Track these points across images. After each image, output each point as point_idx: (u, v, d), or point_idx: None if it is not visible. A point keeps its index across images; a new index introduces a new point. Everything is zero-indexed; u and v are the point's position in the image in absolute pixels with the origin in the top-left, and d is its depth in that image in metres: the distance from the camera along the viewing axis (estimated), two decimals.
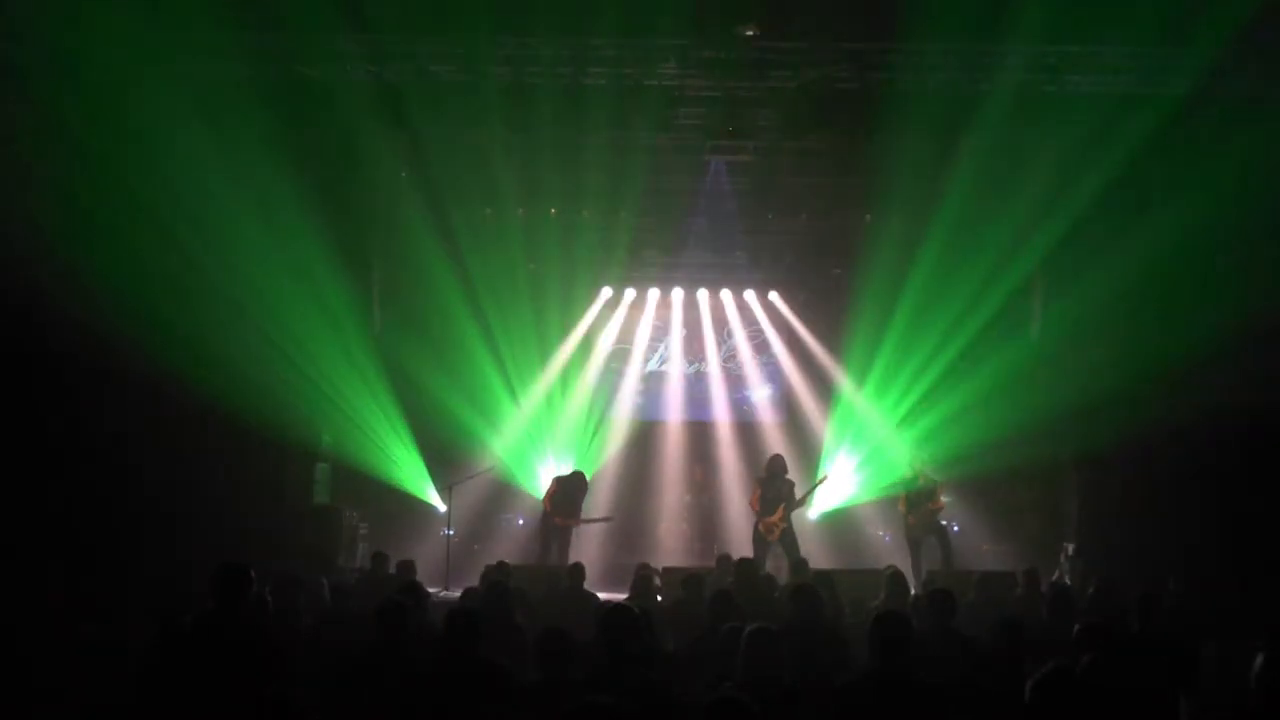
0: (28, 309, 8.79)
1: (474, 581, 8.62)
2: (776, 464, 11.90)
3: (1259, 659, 4.04)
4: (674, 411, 15.36)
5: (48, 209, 9.04)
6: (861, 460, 13.82)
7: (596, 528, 13.32)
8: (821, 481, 12.70)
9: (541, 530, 11.84)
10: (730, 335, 15.51)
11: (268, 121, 10.32)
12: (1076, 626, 5.10)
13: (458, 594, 7.84)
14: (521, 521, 13.73)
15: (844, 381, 14.45)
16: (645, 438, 15.04)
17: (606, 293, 15.03)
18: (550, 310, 14.26)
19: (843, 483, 13.68)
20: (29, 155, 8.78)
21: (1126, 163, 10.69)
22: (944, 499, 11.92)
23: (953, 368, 13.63)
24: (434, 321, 13.76)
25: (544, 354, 14.26)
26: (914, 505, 11.78)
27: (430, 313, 13.68)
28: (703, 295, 15.45)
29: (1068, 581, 10.71)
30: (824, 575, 8.03)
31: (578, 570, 8.47)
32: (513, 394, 14.04)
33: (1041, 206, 12.36)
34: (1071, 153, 11.20)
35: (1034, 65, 10.64)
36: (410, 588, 7.00)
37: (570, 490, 11.89)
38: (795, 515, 11.70)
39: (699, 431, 15.21)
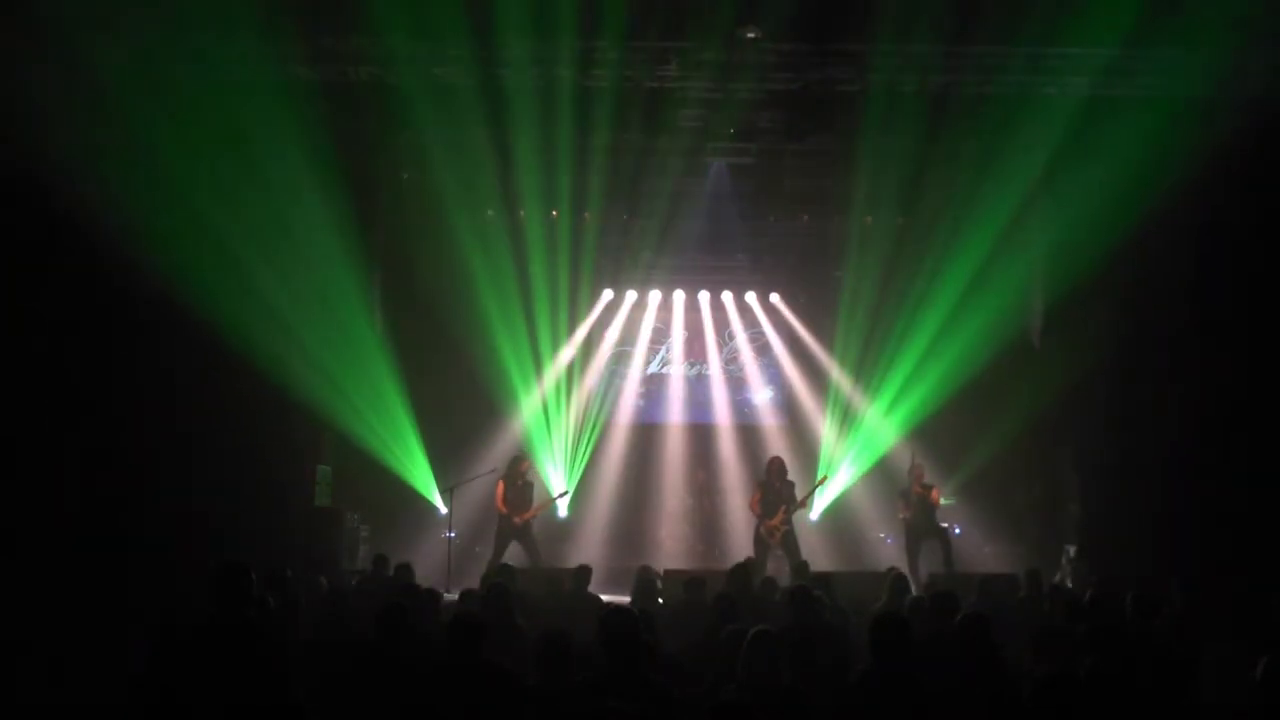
0: (30, 310, 8.79)
1: (475, 583, 8.62)
2: (777, 466, 11.89)
3: (1261, 663, 4.03)
4: (675, 414, 15.36)
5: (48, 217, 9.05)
6: (863, 462, 13.81)
7: (599, 531, 13.36)
8: (822, 483, 12.70)
9: (498, 534, 11.78)
10: (731, 337, 15.51)
11: (269, 122, 10.33)
12: (1076, 630, 5.09)
13: (458, 596, 7.83)
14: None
15: (844, 384, 14.46)
16: (646, 440, 15.04)
17: (608, 295, 15.03)
18: (552, 313, 14.26)
19: (845, 485, 13.68)
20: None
21: (1126, 162, 10.69)
22: (941, 499, 11.93)
23: (952, 370, 13.65)
24: (436, 324, 13.75)
25: (545, 357, 14.24)
26: (914, 506, 11.80)
27: (432, 315, 13.66)
28: (704, 297, 15.46)
29: (1069, 584, 10.70)
30: (822, 578, 8.02)
31: (582, 573, 8.47)
32: (515, 397, 14.03)
33: (1040, 207, 12.38)
34: (1071, 152, 11.21)
35: (1035, 67, 10.65)
36: (409, 590, 7.00)
37: (517, 482, 11.90)
38: (796, 517, 11.70)
39: (700, 434, 15.21)
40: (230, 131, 10.13)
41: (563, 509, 13.53)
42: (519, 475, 11.97)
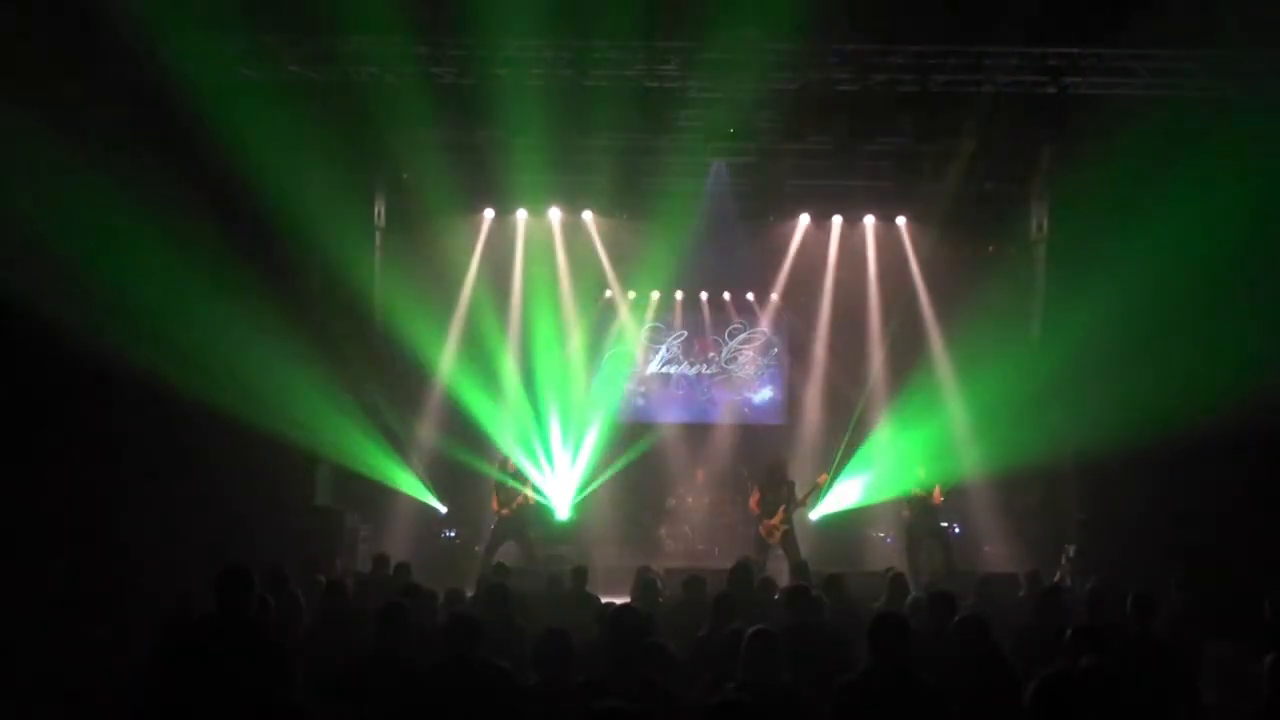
0: (29, 309, 8.79)
1: (474, 583, 8.62)
2: (776, 466, 11.89)
3: (1269, 658, 4.03)
4: (675, 413, 15.36)
5: (45, 208, 9.04)
6: (865, 463, 13.80)
7: (598, 531, 13.43)
8: (822, 483, 12.68)
9: (493, 533, 11.83)
10: (731, 337, 15.51)
11: (269, 123, 10.33)
12: (1069, 630, 5.09)
13: (442, 597, 7.77)
14: None
15: (847, 385, 14.50)
16: (646, 440, 15.02)
17: (608, 294, 15.02)
18: (551, 312, 14.27)
19: (846, 486, 13.66)
20: (22, 155, 8.77)
21: (1128, 164, 10.69)
22: (941, 497, 11.92)
23: (957, 372, 13.65)
24: (434, 324, 13.76)
25: (545, 357, 14.25)
26: (915, 506, 11.81)
27: (431, 315, 13.68)
28: (703, 297, 15.45)
29: (1069, 583, 10.71)
30: (833, 579, 7.94)
31: (581, 572, 8.48)
32: (514, 396, 14.04)
33: (1043, 208, 12.39)
34: (1072, 154, 11.21)
35: (1034, 67, 10.66)
36: (410, 590, 7.00)
37: (507, 481, 11.94)
38: (796, 517, 11.70)
39: (700, 434, 15.20)
40: (229, 132, 10.12)
41: (562, 513, 13.58)
42: (507, 475, 12.06)
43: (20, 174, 8.77)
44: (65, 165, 9.09)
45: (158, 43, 9.42)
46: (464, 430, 13.44)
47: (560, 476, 14.00)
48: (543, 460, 13.99)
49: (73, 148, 9.05)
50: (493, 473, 12.32)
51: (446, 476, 13.26)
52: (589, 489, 14.11)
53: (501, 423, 13.75)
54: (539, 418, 14.24)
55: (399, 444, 12.78)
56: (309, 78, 10.64)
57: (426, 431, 13.49)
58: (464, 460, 13.25)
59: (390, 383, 12.80)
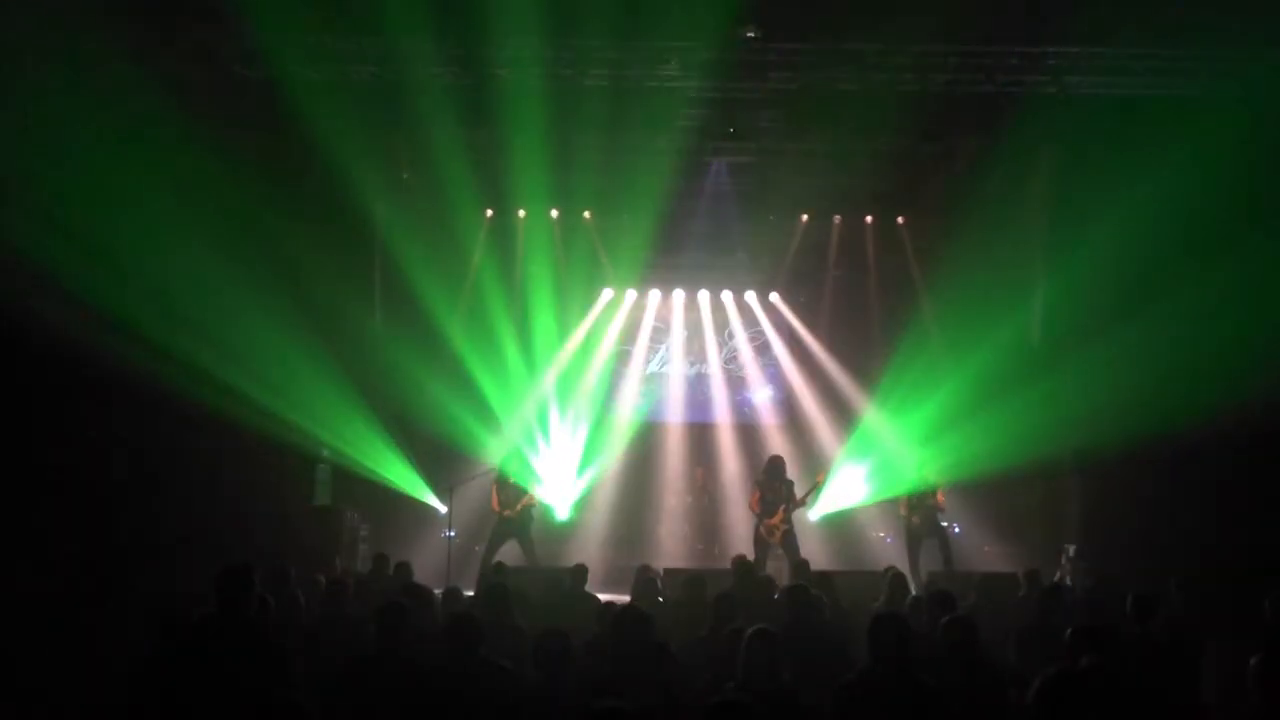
0: (31, 312, 8.79)
1: (474, 583, 8.62)
2: (776, 465, 11.89)
3: (1254, 659, 4.04)
4: (675, 413, 15.37)
5: (45, 210, 9.05)
6: (865, 462, 13.79)
7: (598, 531, 13.39)
8: (821, 482, 12.68)
9: (493, 533, 11.82)
10: (731, 337, 15.52)
11: (269, 123, 10.33)
12: (1069, 629, 5.09)
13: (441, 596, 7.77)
14: None
15: (847, 385, 14.50)
16: (646, 439, 15.04)
17: (608, 294, 15.04)
18: (551, 312, 14.27)
19: (846, 485, 13.66)
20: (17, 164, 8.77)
21: (1127, 164, 10.70)
22: (943, 497, 11.92)
23: (957, 372, 13.64)
24: (435, 324, 13.77)
25: (545, 356, 14.26)
26: (915, 505, 11.80)
27: (431, 315, 13.68)
28: (703, 296, 15.46)
29: (1069, 583, 10.71)
30: (824, 577, 8.02)
31: (580, 571, 8.49)
32: (514, 396, 14.04)
33: (1043, 208, 12.39)
34: (1072, 154, 11.21)
35: (1034, 67, 10.66)
36: (410, 590, 7.00)
37: (509, 480, 11.96)
38: (795, 516, 11.70)
39: (700, 433, 15.21)
40: (229, 134, 10.13)
41: (562, 513, 13.58)
42: (509, 474, 12.07)
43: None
44: (68, 162, 9.09)
45: (157, 41, 9.44)
46: (464, 429, 13.44)
47: (560, 472, 13.99)
48: (543, 450, 14.00)
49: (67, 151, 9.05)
50: (498, 473, 12.31)
51: (445, 475, 13.23)
52: (589, 488, 14.12)
53: (505, 415, 13.74)
54: (541, 414, 14.25)
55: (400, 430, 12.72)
56: (308, 77, 10.63)
57: (426, 432, 13.47)
58: (464, 459, 13.25)
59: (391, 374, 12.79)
